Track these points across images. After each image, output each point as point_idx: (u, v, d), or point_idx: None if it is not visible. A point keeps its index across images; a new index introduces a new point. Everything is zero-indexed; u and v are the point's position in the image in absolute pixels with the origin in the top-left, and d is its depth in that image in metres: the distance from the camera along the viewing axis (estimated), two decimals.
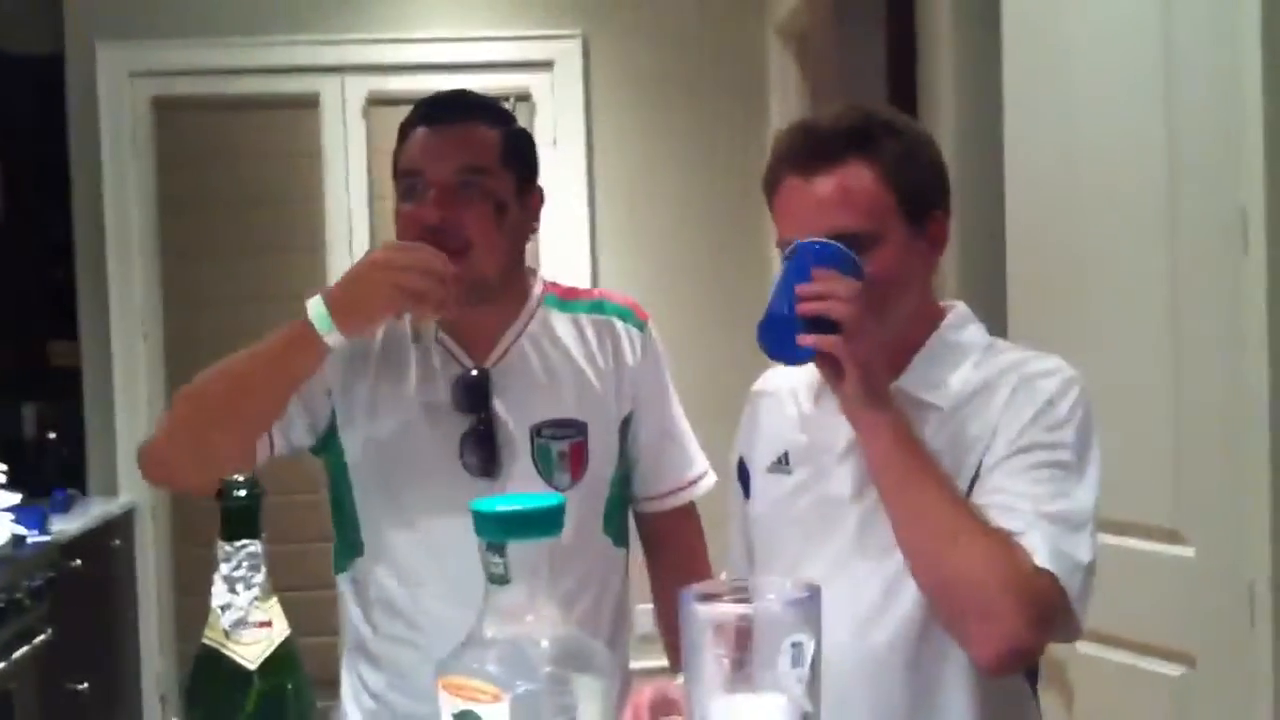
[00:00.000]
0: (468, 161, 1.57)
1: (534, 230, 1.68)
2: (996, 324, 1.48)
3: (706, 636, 0.91)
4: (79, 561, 3.36)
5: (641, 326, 1.72)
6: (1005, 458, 1.26)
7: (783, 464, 1.41)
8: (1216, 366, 1.89)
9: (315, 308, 1.47)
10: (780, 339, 1.24)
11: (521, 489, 1.56)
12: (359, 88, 4.16)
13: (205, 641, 1.02)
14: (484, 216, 1.57)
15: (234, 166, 4.15)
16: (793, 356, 1.25)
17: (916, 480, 1.22)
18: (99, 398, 4.08)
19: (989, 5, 2.40)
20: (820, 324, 1.21)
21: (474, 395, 1.60)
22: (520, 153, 1.64)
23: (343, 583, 1.70)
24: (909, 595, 1.27)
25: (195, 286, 4.16)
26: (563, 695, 0.93)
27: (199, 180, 4.15)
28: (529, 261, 1.73)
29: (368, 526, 1.64)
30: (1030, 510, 1.21)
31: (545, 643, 0.94)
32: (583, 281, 3.99)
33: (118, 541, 3.86)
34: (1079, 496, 1.25)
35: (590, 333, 1.68)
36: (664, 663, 1.75)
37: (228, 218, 4.15)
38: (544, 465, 1.61)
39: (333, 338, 1.46)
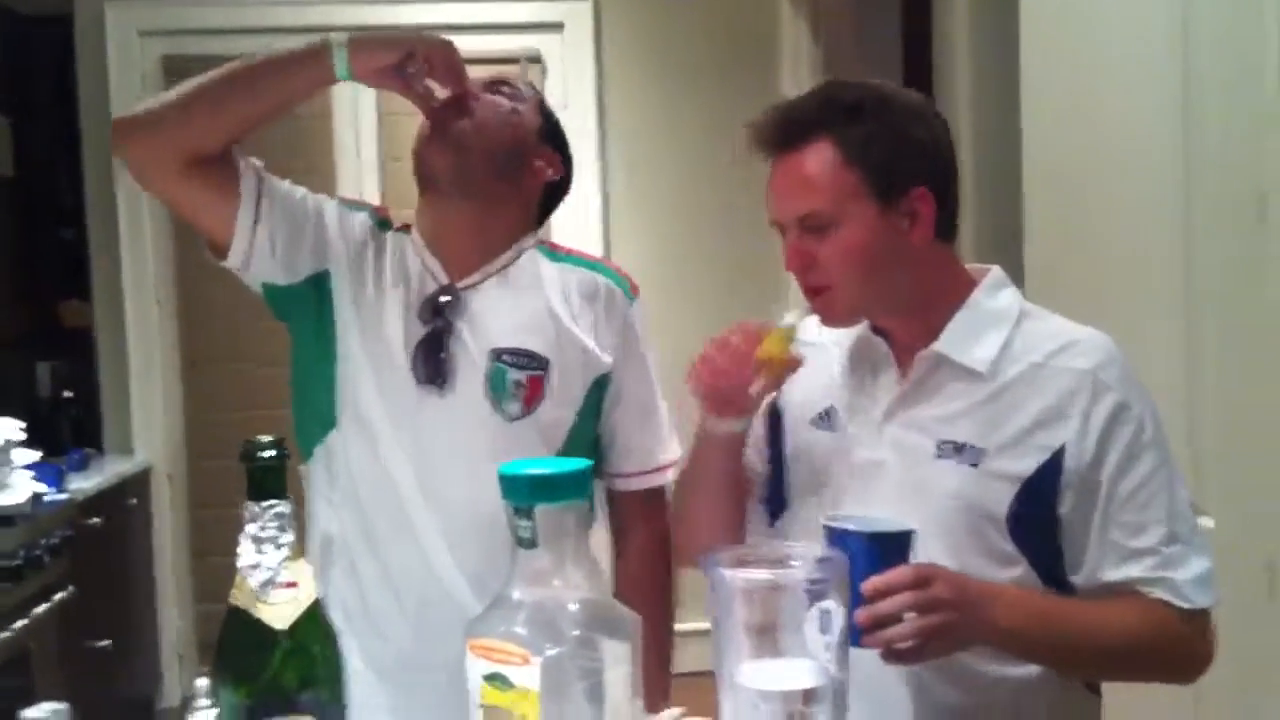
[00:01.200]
0: (511, 81, 1.70)
1: (537, 174, 1.70)
2: None
3: (734, 602, 0.92)
4: (97, 520, 3.38)
5: (630, 298, 1.71)
6: (1109, 482, 1.29)
7: (825, 420, 1.42)
8: (1234, 341, 1.89)
9: (336, 36, 1.55)
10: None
11: (469, 410, 1.59)
12: None
13: (233, 603, 1.03)
14: (500, 102, 1.65)
15: None
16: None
17: (1060, 646, 1.27)
18: (113, 358, 4.10)
19: None
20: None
21: (437, 308, 1.62)
22: (556, 128, 1.74)
23: (311, 472, 1.69)
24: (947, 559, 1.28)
25: (206, 248, 4.15)
26: (590, 659, 0.94)
27: None
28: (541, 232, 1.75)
29: (344, 397, 1.64)
30: (1155, 544, 1.28)
31: (573, 606, 0.95)
32: (594, 246, 3.99)
33: (134, 500, 3.88)
34: (1182, 490, 1.31)
35: (574, 283, 1.68)
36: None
37: None
38: (497, 389, 1.61)
39: (340, 64, 1.54)
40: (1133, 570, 1.28)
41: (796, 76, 4.18)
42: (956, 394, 1.33)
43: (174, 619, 4.16)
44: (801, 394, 1.46)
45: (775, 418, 1.50)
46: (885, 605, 1.11)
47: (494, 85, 1.67)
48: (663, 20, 4.22)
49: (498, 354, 1.62)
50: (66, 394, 3.99)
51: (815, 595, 0.90)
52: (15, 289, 3.86)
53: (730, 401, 1.37)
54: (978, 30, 2.64)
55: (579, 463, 1.00)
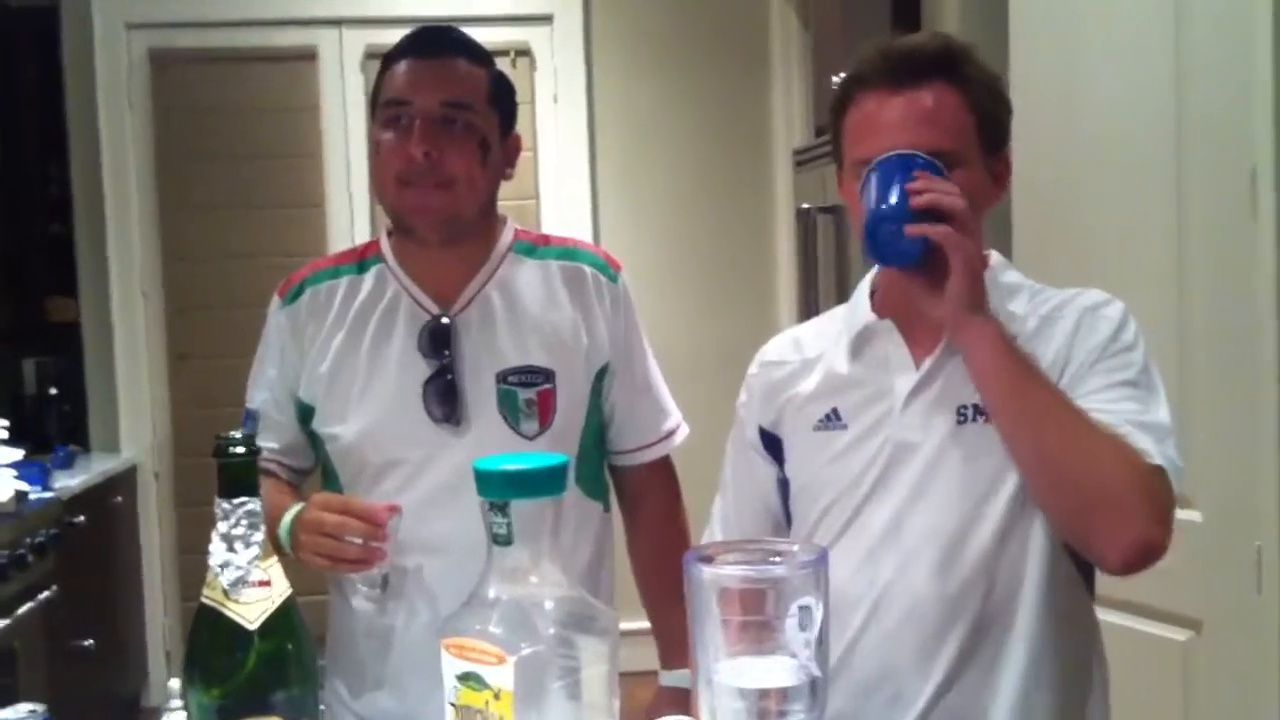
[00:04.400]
0: (455, 96, 1.55)
1: (509, 176, 1.66)
2: None
3: (713, 599, 0.90)
4: (82, 518, 3.36)
5: (614, 277, 1.68)
6: (1083, 378, 1.28)
7: (834, 419, 1.39)
8: (1224, 328, 1.88)
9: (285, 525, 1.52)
10: (886, 239, 1.25)
11: (487, 437, 1.55)
12: (357, 41, 4.11)
13: (204, 600, 1.01)
14: (469, 152, 1.55)
15: (232, 120, 4.11)
16: (899, 256, 1.26)
17: (1027, 384, 1.24)
18: (99, 353, 4.07)
19: None
20: (927, 218, 1.23)
21: (437, 342, 1.58)
22: (504, 94, 1.63)
23: None
24: (987, 526, 1.27)
25: (194, 241, 4.14)
26: (567, 657, 0.92)
27: (197, 134, 4.11)
28: (529, 219, 1.70)
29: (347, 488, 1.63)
30: (1123, 420, 1.24)
31: (549, 604, 0.93)
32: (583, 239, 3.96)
33: (120, 498, 3.86)
34: (1160, 411, 1.28)
35: (560, 280, 1.65)
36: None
37: (226, 172, 4.11)
38: (510, 412, 1.59)
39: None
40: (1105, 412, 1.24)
41: (786, 67, 4.16)
42: None
43: (160, 617, 4.14)
44: (796, 408, 1.43)
45: (771, 440, 1.46)
46: (940, 184, 1.21)
47: (438, 125, 1.53)
48: (652, 11, 4.21)
49: (503, 376, 1.59)
50: (52, 391, 3.97)
51: (795, 592, 0.88)
52: (1, 284, 3.83)
53: None
54: (967, 13, 2.63)
55: (555, 458, 0.98)
